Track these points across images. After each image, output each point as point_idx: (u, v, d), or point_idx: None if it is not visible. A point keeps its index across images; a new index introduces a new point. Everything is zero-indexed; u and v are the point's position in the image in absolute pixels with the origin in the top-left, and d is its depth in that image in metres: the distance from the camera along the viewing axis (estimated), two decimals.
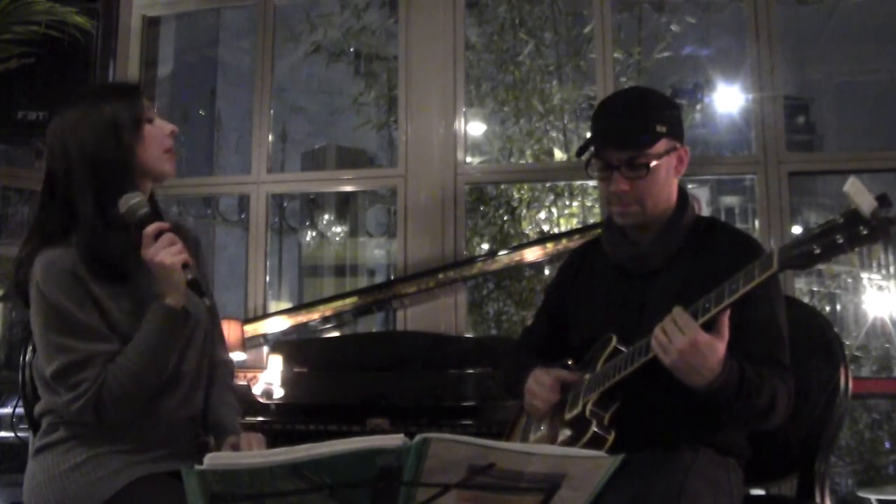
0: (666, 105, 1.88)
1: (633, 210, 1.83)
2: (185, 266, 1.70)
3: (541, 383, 1.87)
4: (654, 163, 1.79)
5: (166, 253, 1.69)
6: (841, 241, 1.34)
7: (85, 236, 1.71)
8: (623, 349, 1.76)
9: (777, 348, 1.75)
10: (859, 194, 1.32)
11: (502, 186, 6.07)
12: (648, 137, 1.79)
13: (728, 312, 1.58)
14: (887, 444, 5.73)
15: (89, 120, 1.74)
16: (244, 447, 1.77)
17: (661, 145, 1.81)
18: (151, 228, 1.71)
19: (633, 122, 1.83)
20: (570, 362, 1.99)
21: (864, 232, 1.32)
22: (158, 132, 1.82)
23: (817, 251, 1.38)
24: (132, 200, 1.72)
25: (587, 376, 1.81)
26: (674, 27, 6.07)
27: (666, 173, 1.83)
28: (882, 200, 1.31)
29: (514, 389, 1.98)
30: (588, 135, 1.95)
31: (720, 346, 1.59)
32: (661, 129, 1.80)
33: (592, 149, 1.86)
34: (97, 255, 1.70)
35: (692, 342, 1.56)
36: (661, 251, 1.85)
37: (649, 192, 1.81)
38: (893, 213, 1.31)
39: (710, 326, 1.58)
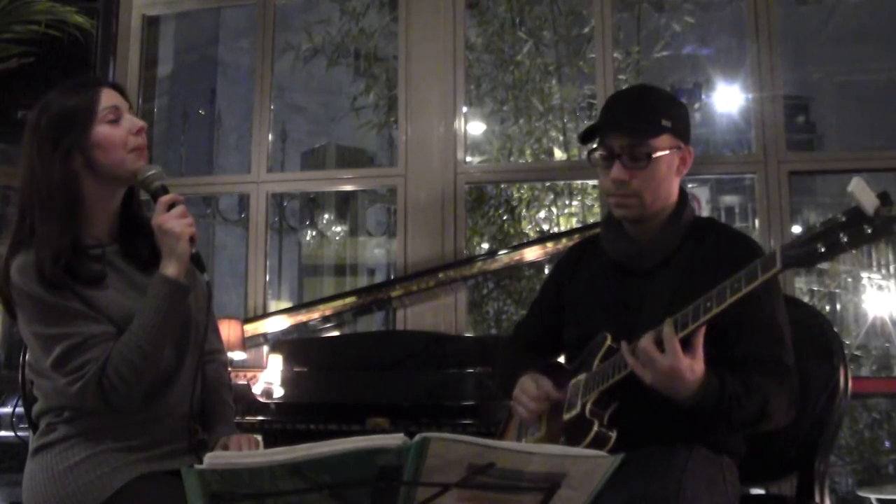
0: (673, 104, 1.87)
1: (631, 202, 1.82)
2: (191, 240, 1.72)
3: (527, 392, 1.86)
4: (655, 154, 1.78)
5: (177, 222, 1.72)
6: (845, 239, 1.34)
7: (41, 260, 1.69)
8: (618, 348, 1.75)
9: (777, 348, 1.74)
10: (862, 193, 1.32)
11: (502, 186, 6.08)
12: (652, 127, 1.79)
13: (703, 332, 1.57)
14: (887, 444, 5.74)
15: (37, 153, 1.72)
16: (233, 449, 1.76)
17: (665, 140, 1.80)
18: (166, 198, 1.74)
19: (639, 111, 1.83)
20: (562, 360, 1.98)
21: (868, 230, 1.32)
22: (120, 134, 1.76)
23: (822, 250, 1.37)
24: (148, 172, 1.77)
25: (583, 376, 1.81)
26: (674, 26, 6.07)
27: (667, 169, 1.82)
28: (884, 199, 1.31)
29: (506, 390, 1.98)
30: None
31: (698, 368, 1.59)
32: (665, 123, 1.80)
33: (597, 140, 1.86)
34: (52, 274, 1.68)
35: (671, 367, 1.56)
36: (659, 249, 1.84)
37: (648, 186, 1.80)
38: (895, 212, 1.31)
39: (687, 344, 1.58)
